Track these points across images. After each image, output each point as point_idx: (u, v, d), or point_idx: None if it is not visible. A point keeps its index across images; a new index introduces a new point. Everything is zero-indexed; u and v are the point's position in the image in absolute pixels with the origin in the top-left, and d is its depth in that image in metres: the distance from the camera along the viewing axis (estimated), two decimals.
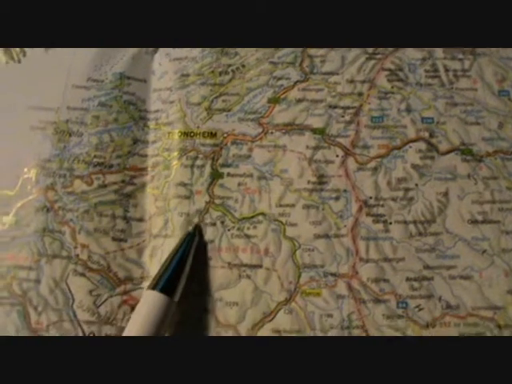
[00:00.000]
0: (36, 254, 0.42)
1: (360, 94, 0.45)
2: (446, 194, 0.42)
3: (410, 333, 0.41)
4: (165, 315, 0.37)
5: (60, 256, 0.42)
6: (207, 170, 0.43)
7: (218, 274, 0.42)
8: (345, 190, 0.42)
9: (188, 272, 0.39)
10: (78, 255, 0.42)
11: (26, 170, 0.44)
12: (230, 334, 0.40)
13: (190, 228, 0.41)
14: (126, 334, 0.37)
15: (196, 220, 0.42)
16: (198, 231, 0.41)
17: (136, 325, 0.37)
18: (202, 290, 0.41)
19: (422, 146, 0.44)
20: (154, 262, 0.42)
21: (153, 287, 0.37)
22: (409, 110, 0.44)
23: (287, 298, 0.41)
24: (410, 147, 0.44)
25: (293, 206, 0.43)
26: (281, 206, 0.43)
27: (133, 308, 0.41)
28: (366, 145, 0.43)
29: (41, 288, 0.41)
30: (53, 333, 0.40)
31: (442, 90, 0.45)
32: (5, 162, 0.44)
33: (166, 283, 0.38)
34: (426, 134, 0.44)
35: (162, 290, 0.37)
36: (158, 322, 0.37)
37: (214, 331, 0.41)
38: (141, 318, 0.37)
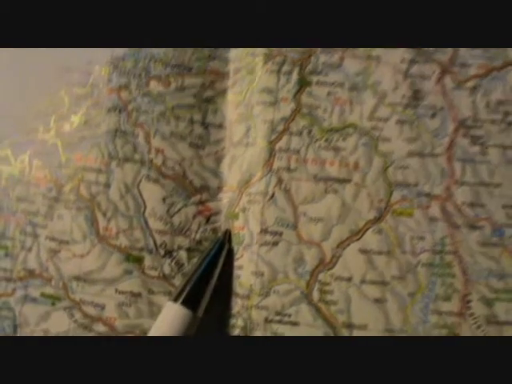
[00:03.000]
0: (106, 156, 0.33)
1: None
2: None
3: (503, 263, 0.31)
4: (186, 330, 0.28)
5: (132, 160, 0.32)
6: (294, 76, 0.33)
7: (302, 187, 0.32)
8: (441, 108, 0.32)
9: (215, 284, 0.29)
10: (151, 160, 0.32)
11: (97, 67, 0.34)
12: (313, 251, 0.31)
13: (220, 234, 0.32)
14: None
15: (281, 128, 0.30)
16: (228, 238, 0.31)
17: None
18: None
19: None
20: (233, 171, 0.33)
21: (174, 299, 0.28)
22: None
23: (377, 216, 0.31)
24: (511, 70, 0.31)
25: (386, 120, 0.32)
26: (373, 119, 0.32)
27: (208, 219, 0.32)
28: (464, 63, 0.32)
29: (110, 192, 0.32)
30: (122, 241, 0.32)
31: None
32: (75, 59, 0.34)
33: (189, 296, 0.29)
34: None
35: (184, 303, 0.28)
36: (178, 335, 0.28)
37: (296, 248, 0.31)
38: (161, 331, 0.28)
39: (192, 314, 0.28)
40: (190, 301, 0.29)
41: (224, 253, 0.31)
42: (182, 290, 0.29)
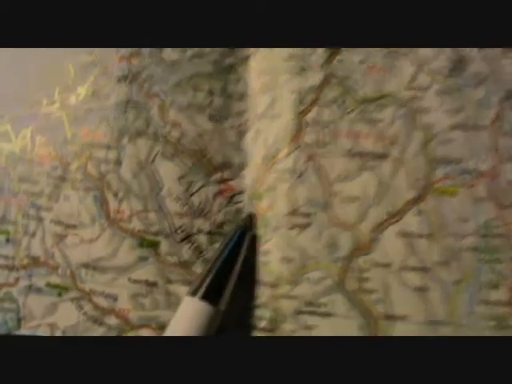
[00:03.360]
0: (116, 130, 0.29)
1: None
2: None
3: None
4: (207, 326, 0.25)
5: (146, 134, 0.29)
6: None
7: (335, 164, 0.28)
8: (486, 77, 0.28)
9: (238, 275, 0.26)
10: (167, 134, 0.29)
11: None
12: (348, 234, 0.28)
13: (241, 219, 0.28)
14: None
15: (310, 98, 0.27)
16: (252, 224, 0.28)
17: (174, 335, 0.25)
18: None
19: None
20: (258, 146, 0.29)
21: (193, 293, 0.25)
22: None
23: (417, 196, 0.28)
24: None
25: (426, 89, 0.29)
26: (412, 88, 0.29)
27: (230, 200, 0.29)
28: None
29: (122, 171, 0.29)
30: (136, 224, 0.29)
31: None
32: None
33: (209, 289, 0.25)
34: None
35: (204, 298, 0.25)
36: (198, 333, 0.25)
37: (329, 231, 0.28)
38: (179, 329, 0.25)
39: (213, 309, 0.25)
40: (211, 294, 0.25)
41: (247, 240, 0.28)
42: (201, 283, 0.26)
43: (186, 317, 0.25)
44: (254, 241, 0.28)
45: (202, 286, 0.26)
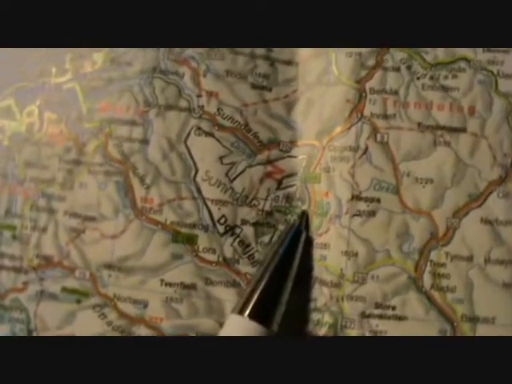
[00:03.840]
0: (142, 103, 0.26)
1: None
2: None
3: None
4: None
5: (177, 107, 0.26)
6: None
7: (404, 139, 0.25)
8: None
9: (291, 286, 0.23)
10: (202, 106, 0.26)
11: None
12: (422, 222, 0.24)
13: (293, 216, 0.26)
14: None
15: (372, 62, 0.26)
16: (305, 223, 0.25)
17: None
18: None
19: None
20: (310, 120, 0.26)
21: (239, 311, 0.22)
22: None
23: (502, 175, 0.24)
24: None
25: (507, 52, 0.25)
26: (490, 50, 0.25)
27: (280, 183, 0.26)
28: None
29: (149, 151, 0.26)
30: (167, 215, 0.25)
31: None
32: None
33: (258, 306, 0.22)
34: None
35: (252, 316, 0.22)
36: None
37: (399, 219, 0.24)
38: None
39: (265, 331, 0.22)
40: (262, 313, 0.22)
41: (301, 243, 0.24)
42: (249, 299, 0.22)
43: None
44: (309, 242, 0.25)
45: (249, 302, 0.22)
